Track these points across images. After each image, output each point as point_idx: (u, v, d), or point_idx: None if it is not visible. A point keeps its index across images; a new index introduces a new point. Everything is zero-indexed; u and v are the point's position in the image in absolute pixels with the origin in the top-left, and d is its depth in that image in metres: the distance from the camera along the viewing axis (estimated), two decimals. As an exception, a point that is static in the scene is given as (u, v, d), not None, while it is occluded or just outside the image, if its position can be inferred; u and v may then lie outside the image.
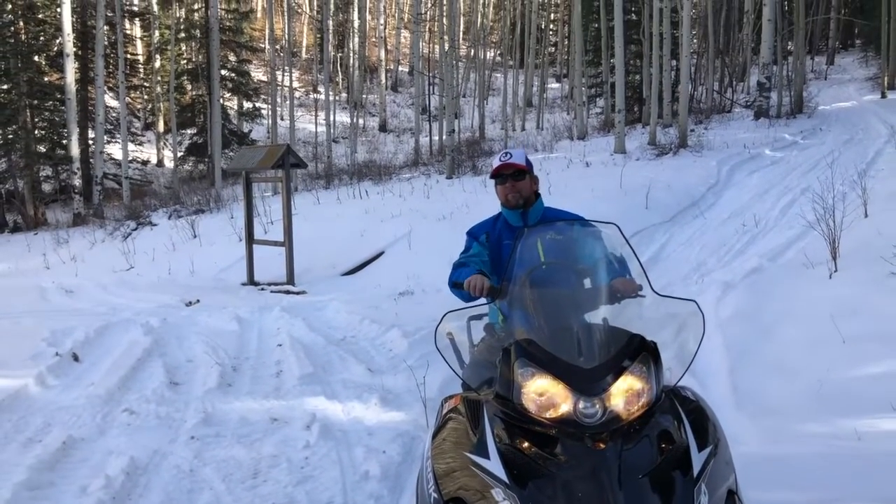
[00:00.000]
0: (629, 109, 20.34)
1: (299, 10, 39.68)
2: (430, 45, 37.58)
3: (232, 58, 27.61)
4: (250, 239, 10.76)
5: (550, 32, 39.74)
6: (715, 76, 24.10)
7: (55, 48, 22.23)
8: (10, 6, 20.79)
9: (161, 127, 28.89)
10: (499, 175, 3.12)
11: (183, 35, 28.28)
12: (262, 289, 10.17)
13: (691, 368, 2.39)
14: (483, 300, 2.75)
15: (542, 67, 34.00)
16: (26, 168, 19.88)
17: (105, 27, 20.48)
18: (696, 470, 1.90)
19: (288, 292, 9.75)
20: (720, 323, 5.48)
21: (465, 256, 3.10)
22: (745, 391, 4.40)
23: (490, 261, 3.09)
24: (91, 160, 21.33)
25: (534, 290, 2.39)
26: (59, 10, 19.23)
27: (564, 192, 11.01)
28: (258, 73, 34.59)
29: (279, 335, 6.88)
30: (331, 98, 26.46)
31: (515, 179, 3.09)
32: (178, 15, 28.15)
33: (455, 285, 2.88)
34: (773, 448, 3.67)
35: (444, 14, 22.47)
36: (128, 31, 28.81)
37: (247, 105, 29.15)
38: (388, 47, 38.61)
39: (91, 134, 22.07)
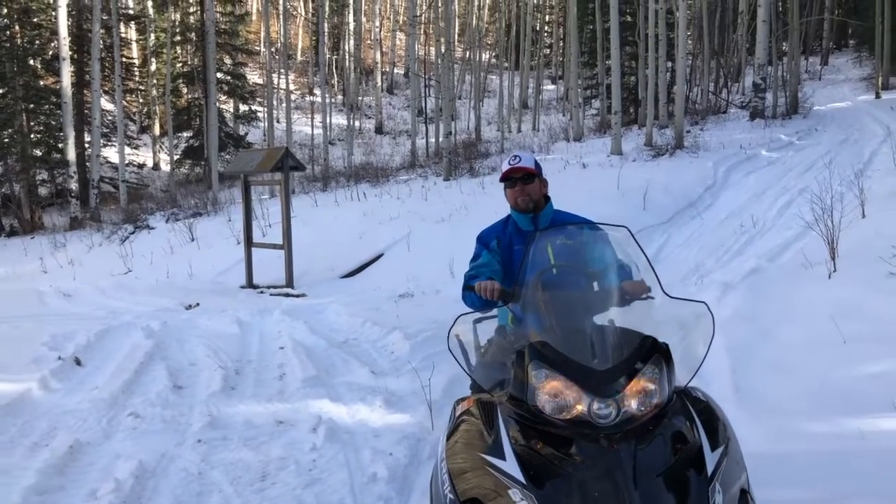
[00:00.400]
0: (625, 111, 20.40)
1: (295, 13, 39.70)
2: (426, 48, 37.64)
3: (228, 61, 27.61)
4: (249, 242, 10.77)
5: (545, 34, 39.84)
6: (710, 77, 24.19)
7: (51, 52, 22.21)
8: (5, 10, 20.76)
9: (157, 130, 28.88)
10: (508, 178, 3.12)
11: (178, 38, 28.27)
12: (262, 292, 10.17)
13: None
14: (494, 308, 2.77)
15: (538, 69, 34.04)
16: (23, 172, 19.84)
17: (101, 30, 20.45)
18: (710, 469, 1.93)
19: (287, 295, 9.76)
20: (720, 323, 5.43)
21: (476, 267, 3.08)
22: (746, 391, 4.43)
23: (501, 266, 3.08)
24: (87, 164, 21.31)
25: (545, 293, 2.42)
26: (54, 13, 19.22)
27: (562, 194, 10.92)
28: (254, 76, 34.59)
29: (280, 338, 6.88)
30: (327, 100, 26.48)
31: (525, 183, 3.10)
32: (173, 18, 28.13)
33: (466, 288, 2.90)
34: (776, 447, 3.70)
35: (440, 17, 22.51)
36: (123, 35, 28.80)
37: (243, 108, 29.16)
38: (384, 49, 38.66)
39: (87, 137, 22.04)
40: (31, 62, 21.78)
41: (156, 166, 28.25)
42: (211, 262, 11.87)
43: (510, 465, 1.95)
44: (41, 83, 22.00)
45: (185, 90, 29.20)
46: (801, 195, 10.49)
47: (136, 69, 29.08)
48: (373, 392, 5.07)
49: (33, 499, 3.42)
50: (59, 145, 20.38)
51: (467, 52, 35.02)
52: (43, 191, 22.17)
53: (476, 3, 36.90)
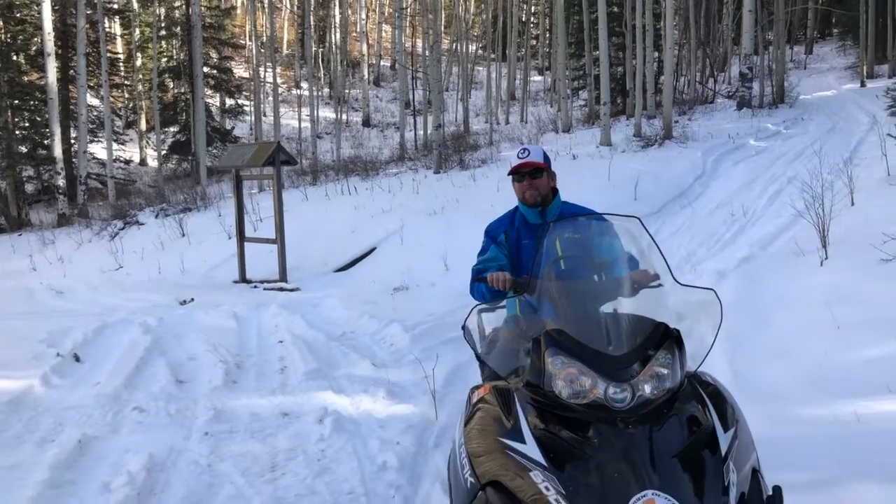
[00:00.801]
0: (613, 101, 20.48)
1: (280, 6, 39.45)
2: (413, 40, 37.54)
3: (214, 55, 27.44)
4: (241, 236, 10.76)
5: (532, 25, 39.84)
6: (697, 67, 24.32)
7: (35, 47, 21.99)
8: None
9: (143, 125, 28.67)
10: (516, 173, 3.14)
11: (164, 33, 28.04)
12: (255, 286, 10.18)
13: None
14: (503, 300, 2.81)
15: (525, 60, 34.07)
16: (8, 169, 19.65)
17: (86, 25, 20.27)
18: (723, 449, 1.99)
19: (282, 289, 9.77)
20: (716, 311, 5.59)
21: (483, 261, 3.10)
22: (745, 376, 4.51)
23: (509, 260, 3.10)
24: (74, 160, 21.14)
25: (558, 283, 2.48)
26: (38, 8, 19.02)
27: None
28: (240, 70, 34.38)
29: (279, 332, 6.92)
30: (314, 94, 26.37)
31: (533, 177, 3.11)
32: (158, 12, 27.89)
33: (476, 280, 2.93)
34: (775, 430, 3.77)
35: (427, 9, 22.45)
36: (108, 30, 28.54)
37: (229, 102, 29.00)
38: (370, 42, 38.52)
39: (73, 133, 21.86)
40: (15, 58, 21.56)
41: (143, 162, 28.07)
42: (203, 258, 11.84)
43: (531, 449, 2.00)
44: (26, 79, 21.80)
45: (171, 85, 29.01)
46: (790, 184, 10.62)
47: (121, 64, 28.81)
48: (375, 383, 5.12)
49: (48, 493, 3.45)
50: (46, 141, 20.19)
51: (454, 44, 34.97)
52: (29, 187, 21.99)
53: (462, -5, 36.80)
